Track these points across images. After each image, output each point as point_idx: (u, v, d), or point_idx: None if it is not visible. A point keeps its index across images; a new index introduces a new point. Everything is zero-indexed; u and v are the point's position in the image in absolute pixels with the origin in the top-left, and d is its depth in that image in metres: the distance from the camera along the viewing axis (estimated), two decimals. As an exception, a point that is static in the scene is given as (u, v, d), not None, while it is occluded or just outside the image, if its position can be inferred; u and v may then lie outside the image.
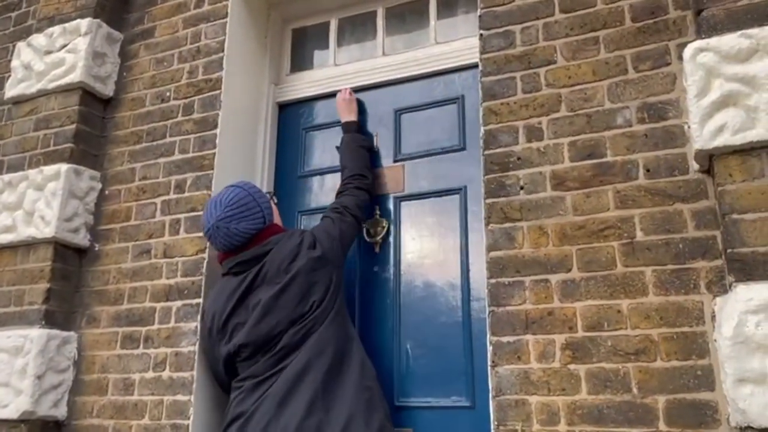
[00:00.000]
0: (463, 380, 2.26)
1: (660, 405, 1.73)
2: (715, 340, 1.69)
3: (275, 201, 2.42)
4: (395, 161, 2.64)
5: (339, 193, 2.43)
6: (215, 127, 2.68)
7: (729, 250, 1.67)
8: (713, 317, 1.72)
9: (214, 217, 2.19)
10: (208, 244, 2.51)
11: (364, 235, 2.57)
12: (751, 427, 1.54)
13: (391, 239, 2.54)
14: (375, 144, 2.70)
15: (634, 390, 1.77)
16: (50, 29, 3.04)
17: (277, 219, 2.33)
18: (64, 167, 2.74)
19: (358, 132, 2.62)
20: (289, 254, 2.15)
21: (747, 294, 1.59)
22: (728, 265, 1.69)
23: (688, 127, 1.86)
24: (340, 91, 2.74)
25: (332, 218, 2.30)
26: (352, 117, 2.65)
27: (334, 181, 2.74)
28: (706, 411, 1.68)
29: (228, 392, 2.30)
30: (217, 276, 2.50)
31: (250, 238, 2.19)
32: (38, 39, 3.06)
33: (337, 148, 2.61)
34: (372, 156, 2.63)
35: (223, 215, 2.18)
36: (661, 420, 1.72)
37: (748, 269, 1.63)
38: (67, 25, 2.99)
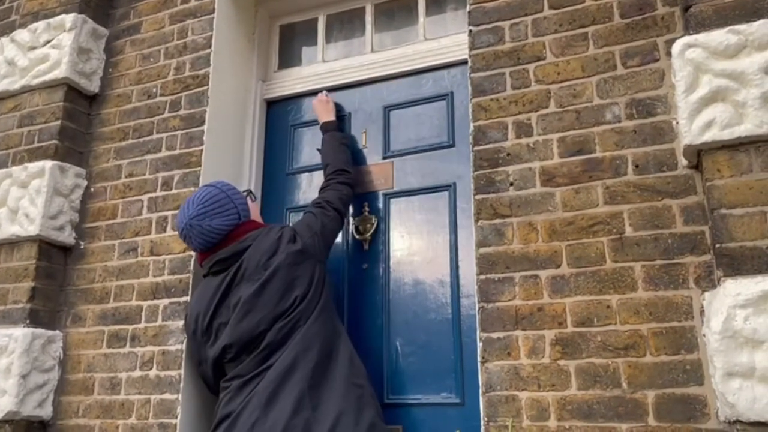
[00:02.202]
0: (453, 377, 2.25)
1: (649, 400, 1.73)
2: (704, 335, 1.70)
3: (253, 198, 2.40)
4: (384, 158, 2.64)
5: (322, 189, 2.41)
6: (202, 123, 2.66)
7: (717, 245, 1.68)
8: (702, 312, 1.73)
9: (187, 216, 2.16)
10: (195, 241, 2.49)
11: (353, 232, 2.56)
12: (740, 421, 1.55)
13: (380, 236, 2.53)
14: (363, 141, 2.69)
15: (624, 385, 1.77)
16: (34, 24, 3.00)
17: (255, 216, 2.30)
18: (48, 164, 2.70)
19: (336, 131, 2.59)
20: (268, 249, 2.11)
21: (735, 288, 1.59)
22: (717, 260, 1.69)
23: (677, 122, 1.87)
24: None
25: (314, 213, 2.28)
26: (330, 117, 2.62)
27: (322, 178, 2.72)
28: (695, 405, 1.68)
29: (217, 393, 2.28)
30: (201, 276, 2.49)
31: (225, 235, 2.15)
32: (22, 34, 3.02)
33: (318, 150, 2.59)
34: (354, 153, 2.61)
35: (195, 213, 2.15)
36: (650, 415, 1.72)
37: (737, 264, 1.64)
38: (51, 20, 2.95)
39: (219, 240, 2.16)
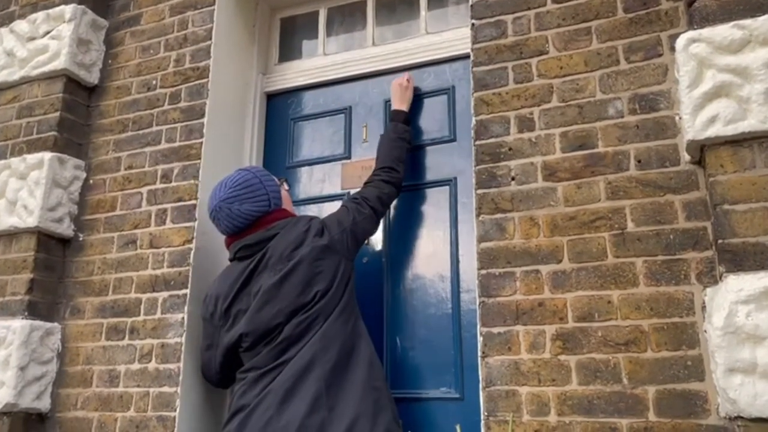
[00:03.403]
0: (453, 372, 2.25)
1: (650, 395, 1.73)
2: (705, 331, 1.70)
3: (287, 187, 2.37)
4: (385, 152, 2.62)
5: (365, 184, 2.32)
6: (202, 116, 2.65)
7: (720, 241, 1.67)
8: (703, 308, 1.73)
9: (217, 198, 2.15)
10: (195, 234, 2.48)
11: (354, 226, 2.55)
12: (741, 417, 1.54)
13: (381, 230, 2.52)
14: (364, 135, 2.68)
15: (624, 380, 1.77)
16: (33, 15, 2.98)
17: (287, 205, 2.26)
18: (47, 156, 2.69)
19: (404, 123, 2.45)
20: (294, 240, 2.08)
21: (737, 284, 1.59)
22: (719, 256, 1.69)
23: (680, 118, 1.86)
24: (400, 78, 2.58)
25: (348, 208, 2.21)
26: (402, 106, 2.49)
27: (322, 172, 2.72)
28: (695, 401, 1.68)
29: (216, 384, 2.27)
30: (204, 269, 2.48)
31: (253, 220, 2.13)
32: (21, 25, 3.00)
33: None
34: (409, 150, 2.47)
35: (226, 196, 2.13)
36: (651, 410, 1.72)
37: (739, 260, 1.63)
38: (50, 11, 2.93)
39: (247, 225, 2.13)
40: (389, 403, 1.97)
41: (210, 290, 2.23)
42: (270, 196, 2.18)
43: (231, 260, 2.21)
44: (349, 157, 2.69)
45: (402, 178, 2.35)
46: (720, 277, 1.68)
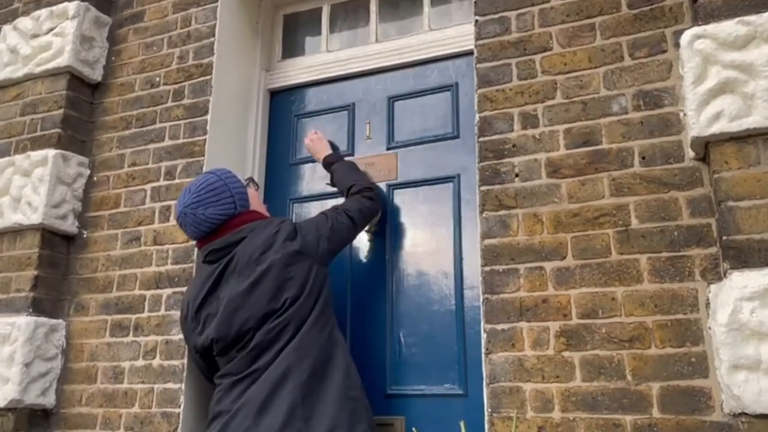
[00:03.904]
0: (456, 368, 2.25)
1: (654, 392, 1.73)
2: (710, 328, 1.69)
3: (255, 188, 2.33)
4: (388, 149, 2.63)
5: (346, 198, 2.33)
6: (206, 113, 2.65)
7: (724, 238, 1.67)
8: (707, 304, 1.73)
9: (182, 203, 2.11)
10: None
11: (357, 222, 2.55)
12: (746, 413, 1.54)
13: (384, 227, 2.52)
14: (367, 132, 2.68)
15: (628, 377, 1.77)
16: (37, 12, 2.99)
17: (256, 206, 2.22)
18: (51, 153, 2.69)
19: (341, 160, 2.46)
20: (262, 244, 2.03)
21: (742, 281, 1.59)
22: (723, 253, 1.69)
23: (684, 114, 1.86)
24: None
25: (327, 215, 2.19)
26: (329, 150, 2.54)
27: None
28: (699, 398, 1.68)
29: (210, 381, 2.27)
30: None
31: (219, 224, 2.09)
32: (24, 22, 3.00)
33: (329, 184, 2.50)
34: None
35: (190, 201, 2.09)
36: (654, 407, 1.72)
37: (744, 256, 1.63)
38: (54, 8, 2.93)
39: (213, 229, 2.09)
40: (366, 412, 1.95)
41: (185, 292, 2.23)
42: (236, 198, 2.13)
43: (202, 263, 2.18)
44: (352, 154, 2.69)
45: (380, 196, 2.36)
46: (724, 274, 1.68)
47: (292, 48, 3.06)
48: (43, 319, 2.55)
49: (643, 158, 1.92)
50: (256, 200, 2.26)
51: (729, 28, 1.74)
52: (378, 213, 2.39)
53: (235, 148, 2.76)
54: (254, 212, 2.18)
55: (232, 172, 2.24)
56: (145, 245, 2.59)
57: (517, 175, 2.06)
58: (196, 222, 2.09)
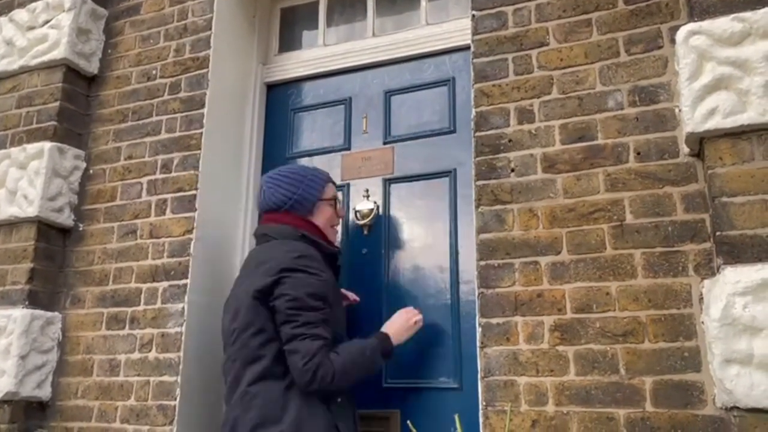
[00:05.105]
0: (451, 362, 2.26)
1: (647, 386, 1.74)
2: (703, 322, 1.71)
3: (336, 206, 2.23)
4: (385, 143, 2.63)
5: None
6: (202, 106, 2.64)
7: (718, 233, 1.68)
8: (701, 299, 1.74)
9: (271, 172, 2.22)
10: (195, 224, 2.48)
11: (354, 217, 2.56)
12: (737, 407, 1.56)
13: (381, 221, 2.53)
14: (364, 126, 2.68)
15: (622, 371, 1.78)
16: (33, 4, 2.97)
17: (319, 220, 2.14)
18: (47, 145, 2.69)
19: (385, 355, 2.06)
20: (252, 269, 2.03)
21: (735, 276, 1.60)
22: (717, 248, 1.70)
23: (679, 110, 1.87)
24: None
25: (304, 334, 1.87)
26: (394, 335, 2.11)
27: (322, 162, 2.71)
28: (692, 392, 1.69)
29: None
30: (204, 259, 2.50)
31: (267, 209, 2.17)
32: (20, 14, 2.99)
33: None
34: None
35: (272, 175, 2.19)
36: (647, 401, 1.73)
37: (737, 252, 1.64)
38: (50, 0, 2.92)
39: (264, 209, 2.18)
40: None
41: None
42: (294, 200, 2.12)
43: None
44: (348, 148, 2.69)
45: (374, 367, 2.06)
46: (718, 269, 1.69)
47: (289, 42, 3.05)
48: (39, 312, 2.55)
49: (638, 154, 1.92)
50: (323, 217, 2.17)
51: (724, 24, 1.75)
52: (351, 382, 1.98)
53: (231, 141, 2.76)
54: (298, 219, 2.12)
55: (323, 178, 2.21)
56: (141, 238, 2.59)
57: (512, 170, 2.07)
58: (261, 195, 2.19)
